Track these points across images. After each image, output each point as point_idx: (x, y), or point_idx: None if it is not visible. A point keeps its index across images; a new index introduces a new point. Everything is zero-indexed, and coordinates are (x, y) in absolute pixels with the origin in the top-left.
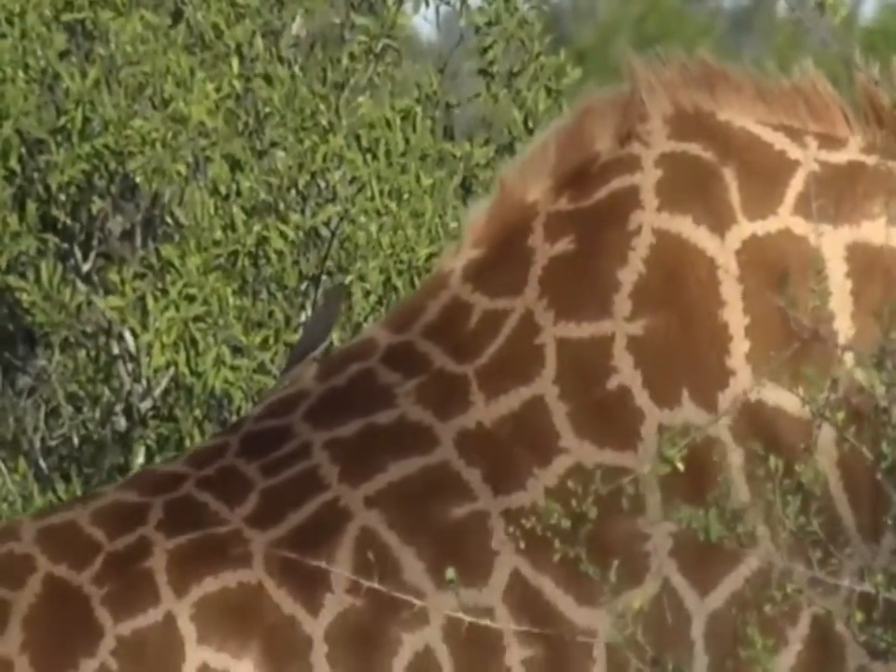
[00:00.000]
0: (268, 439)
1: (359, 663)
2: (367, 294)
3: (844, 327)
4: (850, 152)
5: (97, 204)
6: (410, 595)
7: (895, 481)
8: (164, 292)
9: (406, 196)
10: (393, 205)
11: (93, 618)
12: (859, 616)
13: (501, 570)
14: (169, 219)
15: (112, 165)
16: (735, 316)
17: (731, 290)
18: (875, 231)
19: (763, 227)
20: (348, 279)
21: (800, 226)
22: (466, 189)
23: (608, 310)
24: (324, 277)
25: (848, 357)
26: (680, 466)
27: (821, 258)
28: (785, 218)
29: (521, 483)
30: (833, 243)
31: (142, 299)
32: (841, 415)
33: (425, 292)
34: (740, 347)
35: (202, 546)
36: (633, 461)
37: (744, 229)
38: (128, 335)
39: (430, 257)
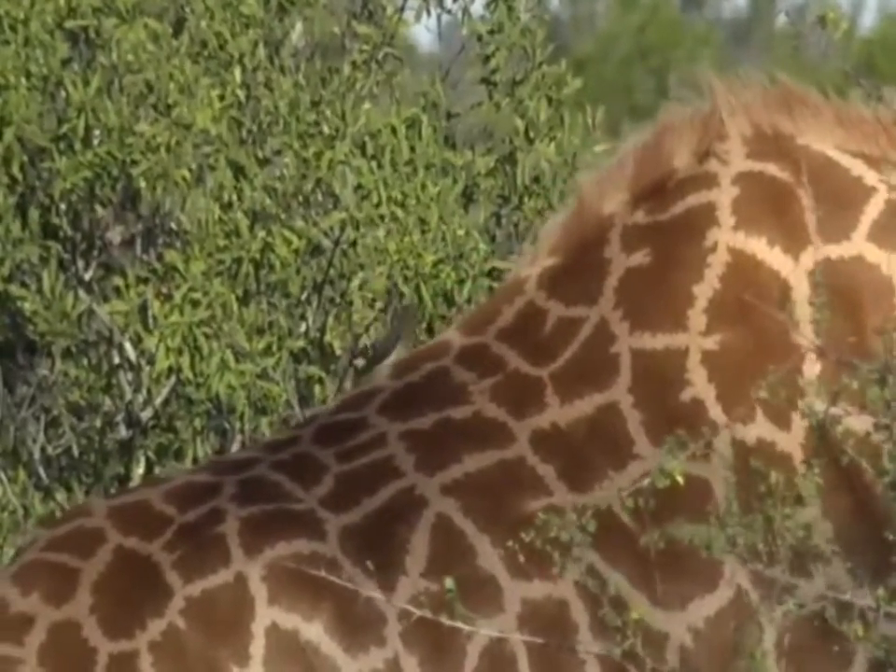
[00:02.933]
0: (342, 429)
1: (433, 644)
2: (372, 301)
3: None
4: None
5: (98, 213)
6: (485, 581)
7: None
8: (168, 297)
9: (413, 204)
10: (399, 212)
11: (163, 581)
12: (860, 630)
13: (576, 563)
14: (172, 225)
15: (115, 173)
16: (806, 338)
17: (802, 313)
18: None
19: (836, 251)
20: (351, 287)
21: (873, 253)
22: (467, 198)
23: (682, 324)
24: (326, 286)
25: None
26: (680, 479)
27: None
28: (859, 244)
29: (596, 482)
30: None
31: (144, 306)
32: (841, 429)
33: (499, 297)
34: (812, 369)
35: (275, 515)
36: (707, 472)
37: (818, 251)
38: (128, 344)
39: (437, 263)
